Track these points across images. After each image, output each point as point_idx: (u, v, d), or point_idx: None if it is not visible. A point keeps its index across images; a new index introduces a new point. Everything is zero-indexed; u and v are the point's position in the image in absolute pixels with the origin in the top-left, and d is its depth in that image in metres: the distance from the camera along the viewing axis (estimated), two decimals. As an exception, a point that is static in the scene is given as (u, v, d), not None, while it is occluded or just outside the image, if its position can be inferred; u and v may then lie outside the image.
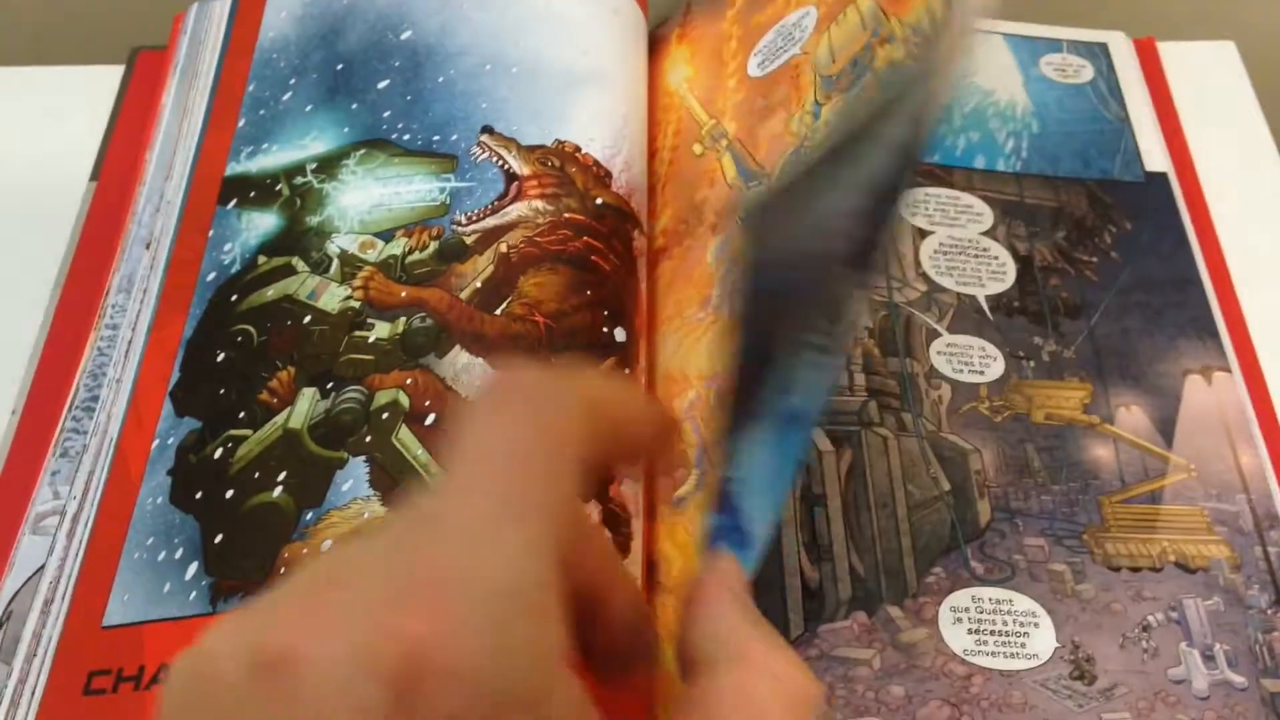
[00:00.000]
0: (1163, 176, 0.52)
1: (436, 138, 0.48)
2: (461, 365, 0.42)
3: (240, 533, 0.39)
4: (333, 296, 0.44)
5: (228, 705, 0.20)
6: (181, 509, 0.39)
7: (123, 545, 0.39)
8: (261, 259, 0.46)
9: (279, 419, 0.41)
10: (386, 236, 0.46)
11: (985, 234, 0.51)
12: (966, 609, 0.40)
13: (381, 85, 0.50)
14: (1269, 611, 0.40)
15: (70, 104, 0.54)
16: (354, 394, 0.41)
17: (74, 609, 0.38)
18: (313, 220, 0.47)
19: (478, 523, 0.22)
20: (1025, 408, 0.45)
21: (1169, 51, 0.56)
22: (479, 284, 0.44)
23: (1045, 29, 0.57)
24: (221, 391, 0.42)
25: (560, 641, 0.22)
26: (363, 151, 0.48)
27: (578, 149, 0.48)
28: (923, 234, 0.50)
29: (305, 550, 0.38)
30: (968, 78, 0.53)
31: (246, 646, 0.20)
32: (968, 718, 0.38)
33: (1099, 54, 0.57)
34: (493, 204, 0.46)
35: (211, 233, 0.47)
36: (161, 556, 0.39)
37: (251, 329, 0.44)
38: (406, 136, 0.49)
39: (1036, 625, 0.40)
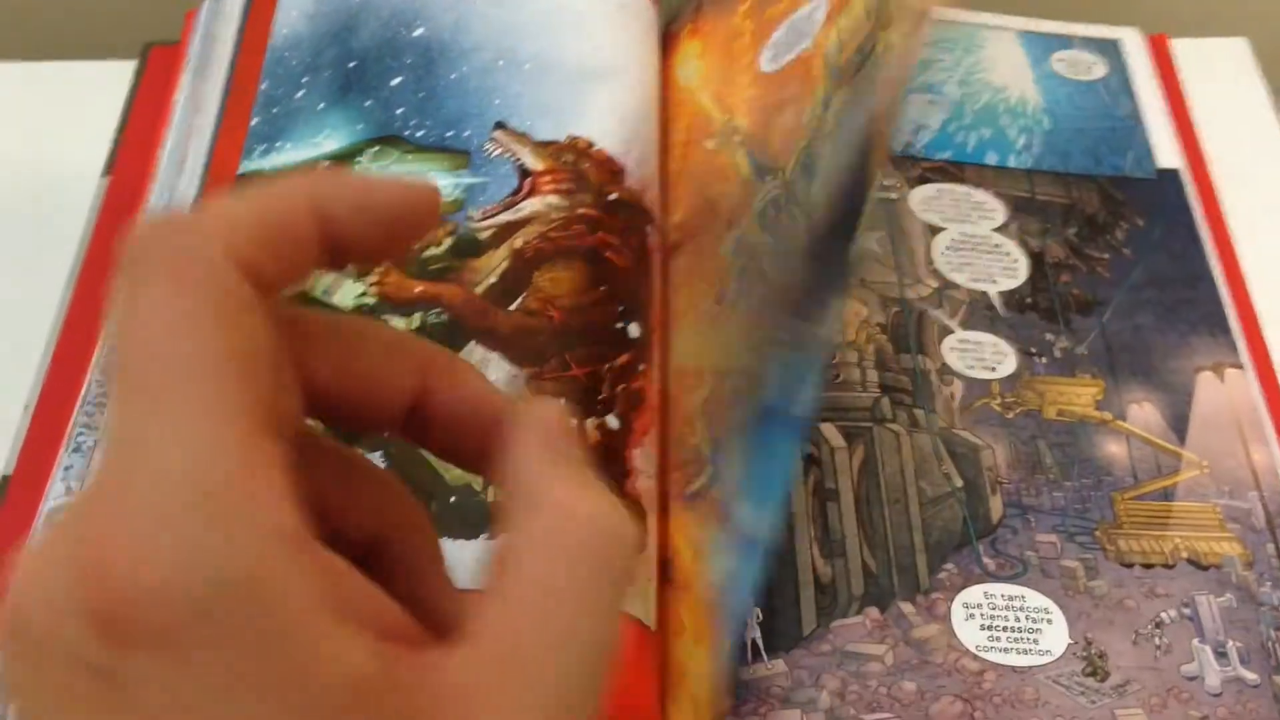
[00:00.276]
0: (1174, 173, 0.52)
1: (450, 134, 0.49)
2: (477, 360, 0.42)
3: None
4: (348, 293, 0.44)
5: None
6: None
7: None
8: (276, 256, 0.46)
9: (295, 416, 0.41)
10: (401, 233, 0.46)
11: (997, 230, 0.51)
12: (979, 605, 0.40)
13: (394, 82, 0.50)
14: (1281, 608, 0.41)
15: (83, 99, 0.55)
16: (370, 391, 0.41)
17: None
18: (327, 217, 0.47)
19: (141, 423, 0.19)
20: (1037, 403, 0.46)
21: (1181, 48, 0.56)
22: (494, 279, 0.44)
23: (1057, 25, 0.57)
24: (238, 388, 0.42)
25: (276, 516, 0.19)
26: (376, 148, 0.49)
27: (591, 144, 0.48)
28: (934, 231, 0.50)
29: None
30: (925, 62, 0.52)
31: None
32: (980, 713, 0.38)
33: (1111, 51, 0.57)
34: (507, 199, 0.46)
35: (226, 229, 0.47)
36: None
37: (267, 326, 0.44)
38: (420, 133, 0.49)
39: (1049, 621, 0.40)
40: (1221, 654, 0.40)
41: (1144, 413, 0.46)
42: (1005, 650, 0.40)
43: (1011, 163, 0.53)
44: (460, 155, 0.48)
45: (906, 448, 0.44)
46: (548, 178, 0.47)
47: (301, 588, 0.19)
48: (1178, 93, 0.55)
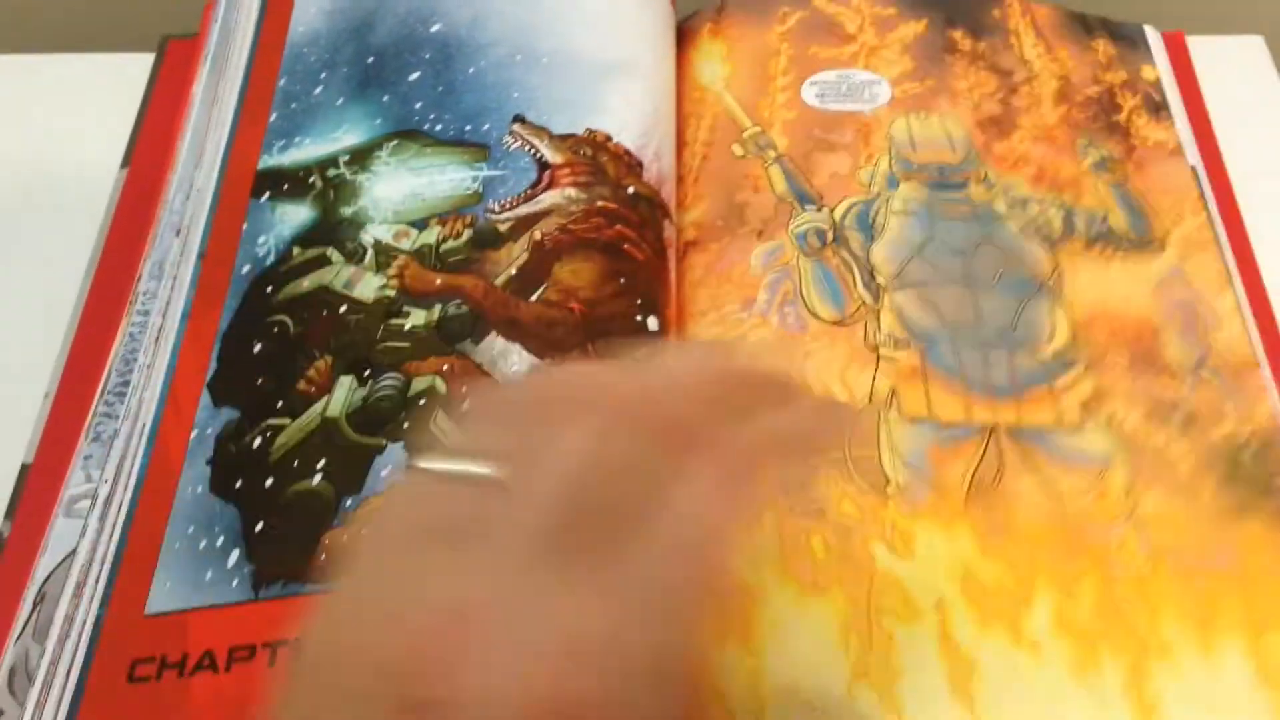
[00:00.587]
0: (1191, 171, 0.52)
1: (468, 127, 0.49)
2: (498, 351, 0.42)
3: (280, 520, 0.39)
4: (368, 285, 0.44)
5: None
6: (222, 498, 0.40)
7: (164, 534, 0.39)
8: (296, 250, 0.46)
9: (317, 408, 0.41)
10: (420, 225, 0.46)
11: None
12: None
13: (412, 77, 0.51)
14: None
15: (101, 91, 0.55)
16: (391, 381, 0.41)
17: (116, 597, 0.38)
18: (346, 211, 0.47)
19: (634, 599, 0.23)
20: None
21: (1198, 46, 0.56)
22: (514, 270, 0.44)
23: (1073, 22, 0.57)
24: (259, 381, 0.42)
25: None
26: (395, 142, 0.49)
27: (609, 138, 0.48)
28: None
29: (345, 536, 0.38)
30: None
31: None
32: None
33: (1127, 47, 0.57)
34: (526, 192, 0.46)
35: (245, 226, 0.47)
36: (203, 545, 0.39)
37: (288, 319, 0.44)
38: (439, 127, 0.49)
39: None
40: None
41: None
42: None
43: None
44: (479, 148, 0.48)
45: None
46: (566, 170, 0.47)
47: None
48: (1195, 90, 0.55)
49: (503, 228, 0.45)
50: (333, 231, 0.46)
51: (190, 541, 0.39)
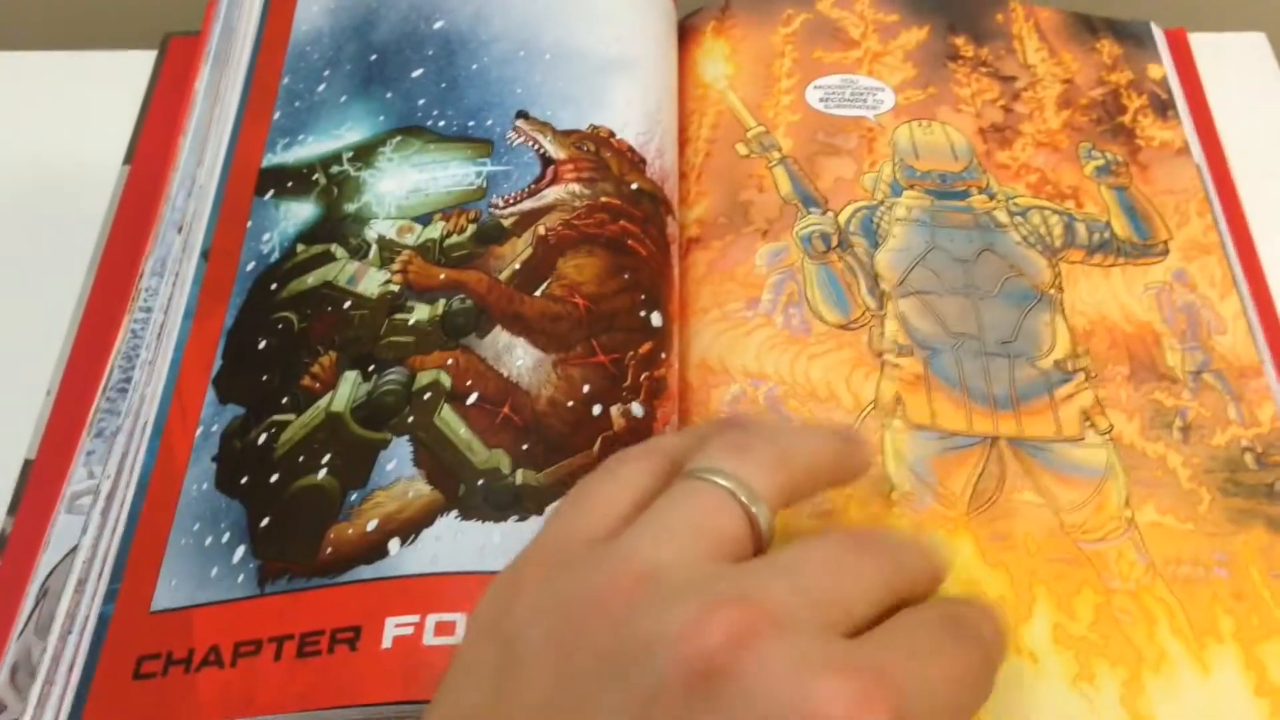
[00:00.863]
0: (1196, 170, 0.52)
1: (471, 123, 0.49)
2: (503, 345, 0.42)
3: (286, 515, 0.39)
4: (372, 281, 0.44)
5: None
6: (227, 494, 0.40)
7: (169, 531, 0.39)
8: (300, 247, 0.46)
9: (321, 403, 0.41)
10: (424, 220, 0.46)
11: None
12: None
13: (415, 74, 0.50)
14: None
15: (103, 88, 0.55)
16: (395, 375, 0.41)
17: (122, 595, 0.38)
18: (350, 207, 0.47)
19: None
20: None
21: (1200, 42, 0.56)
22: (518, 265, 0.44)
23: (1075, 19, 0.57)
24: (264, 378, 0.42)
25: None
26: (398, 139, 0.48)
27: (612, 134, 0.48)
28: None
29: (350, 530, 0.38)
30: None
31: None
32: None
33: (1129, 44, 0.57)
34: (529, 187, 0.46)
35: (250, 223, 0.47)
36: (208, 541, 0.39)
37: (292, 316, 0.44)
38: (442, 123, 0.49)
39: None
40: None
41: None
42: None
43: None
44: (483, 144, 0.48)
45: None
46: (570, 166, 0.47)
47: None
48: (1197, 87, 0.55)
49: (507, 223, 0.45)
50: (337, 228, 0.46)
51: (196, 538, 0.39)
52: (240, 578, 0.38)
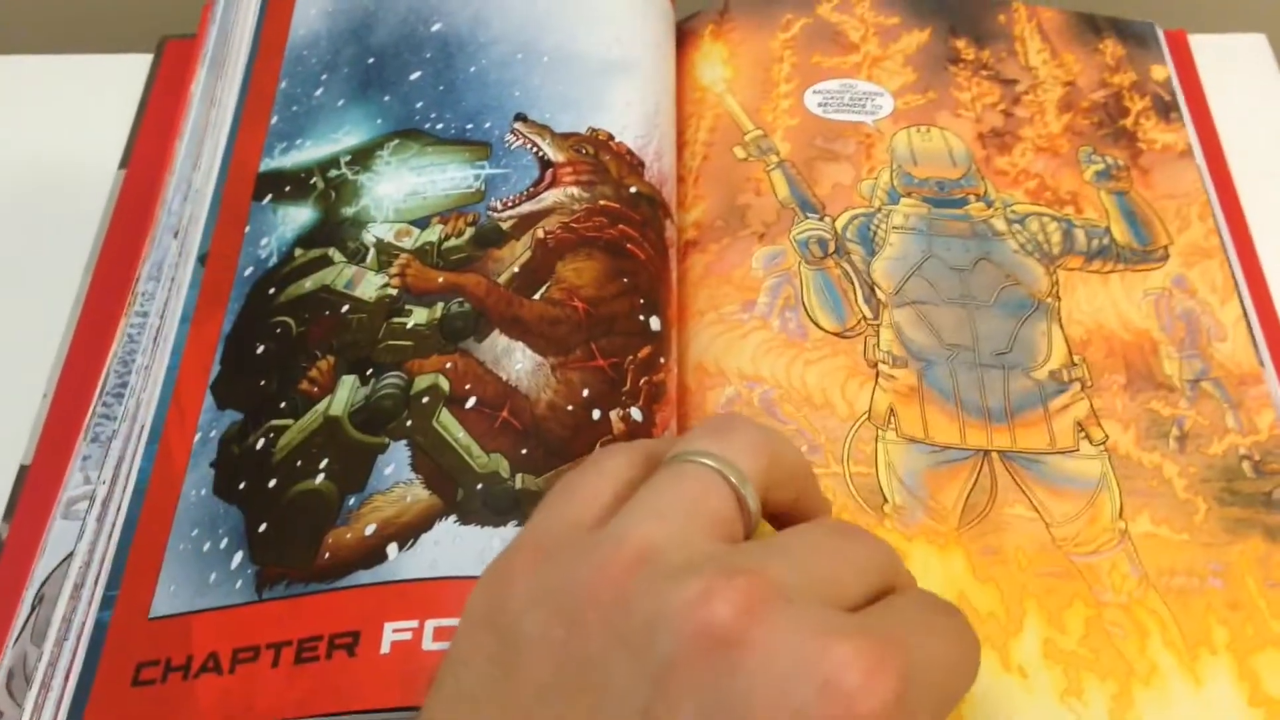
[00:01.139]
0: (1198, 172, 0.52)
1: (470, 126, 0.48)
2: (501, 349, 0.42)
3: (284, 521, 0.38)
4: (370, 285, 0.44)
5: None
6: (225, 499, 0.39)
7: (168, 538, 0.39)
8: (298, 251, 0.46)
9: (320, 407, 0.41)
10: (422, 224, 0.46)
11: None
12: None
13: (413, 77, 0.50)
14: None
15: (100, 92, 0.54)
16: (394, 379, 0.41)
17: (120, 602, 0.38)
18: (348, 211, 0.47)
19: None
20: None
21: (1200, 44, 0.56)
22: (516, 269, 0.44)
23: (1075, 21, 0.57)
24: (262, 383, 0.42)
25: None
26: (396, 142, 0.48)
27: (611, 137, 0.48)
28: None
29: (348, 535, 0.38)
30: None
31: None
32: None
33: (1129, 46, 0.57)
34: (528, 190, 0.46)
35: (248, 228, 0.47)
36: (206, 547, 0.38)
37: (290, 320, 0.43)
38: (440, 126, 0.48)
39: None
40: None
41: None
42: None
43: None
44: (481, 147, 0.48)
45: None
46: (569, 169, 0.47)
47: None
48: (1197, 89, 0.55)
49: (505, 226, 0.45)
50: (334, 232, 0.46)
51: (194, 544, 0.39)
52: (238, 583, 0.37)
